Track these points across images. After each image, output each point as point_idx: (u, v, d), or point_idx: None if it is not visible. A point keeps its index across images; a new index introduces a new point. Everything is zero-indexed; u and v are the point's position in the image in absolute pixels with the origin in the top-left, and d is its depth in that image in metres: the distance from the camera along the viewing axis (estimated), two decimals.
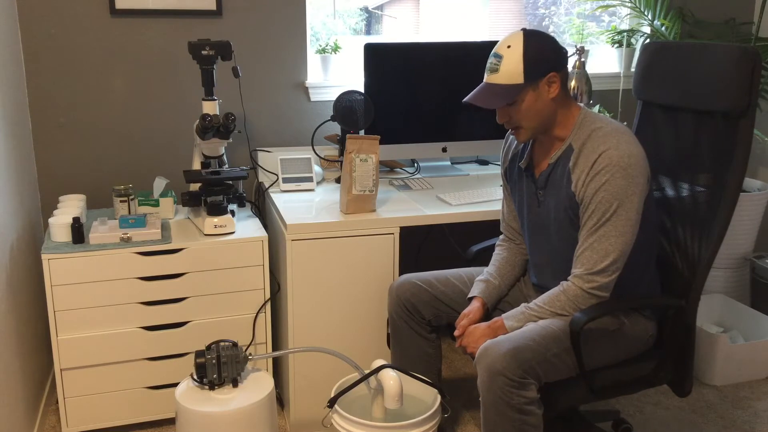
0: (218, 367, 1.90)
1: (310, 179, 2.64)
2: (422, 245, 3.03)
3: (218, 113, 2.39)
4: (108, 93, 2.65)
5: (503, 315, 1.88)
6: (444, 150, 2.82)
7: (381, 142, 2.39)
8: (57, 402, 2.34)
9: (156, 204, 2.48)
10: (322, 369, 2.35)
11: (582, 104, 2.54)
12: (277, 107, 2.85)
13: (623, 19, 3.36)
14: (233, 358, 1.91)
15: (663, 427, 2.45)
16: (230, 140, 2.44)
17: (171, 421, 2.44)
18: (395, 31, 3.31)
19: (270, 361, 2.45)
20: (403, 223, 2.29)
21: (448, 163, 3.00)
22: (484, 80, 1.84)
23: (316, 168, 2.70)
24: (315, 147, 2.79)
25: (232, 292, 2.34)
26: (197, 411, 1.85)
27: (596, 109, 2.95)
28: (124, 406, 2.35)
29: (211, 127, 2.30)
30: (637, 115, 2.19)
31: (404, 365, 2.13)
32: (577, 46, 2.91)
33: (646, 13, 3.15)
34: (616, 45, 3.22)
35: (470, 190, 2.55)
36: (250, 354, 1.96)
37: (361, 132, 2.65)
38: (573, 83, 2.90)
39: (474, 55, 2.70)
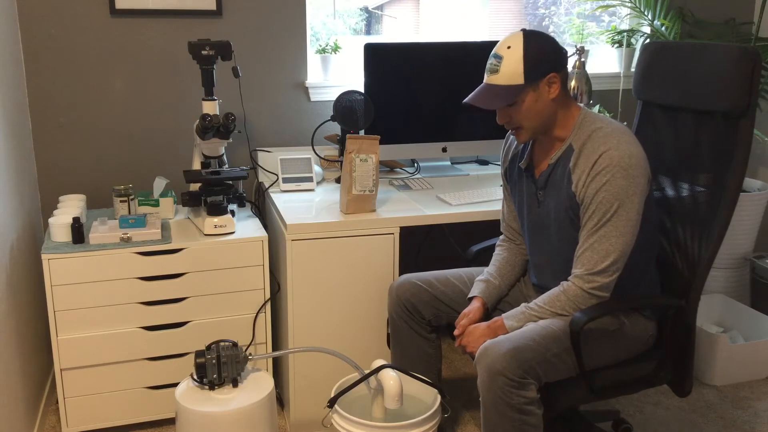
0: (218, 367, 1.90)
1: (310, 179, 2.64)
2: (422, 245, 3.03)
3: (218, 113, 2.39)
4: (108, 93, 2.65)
5: (503, 315, 1.88)
6: (444, 150, 2.82)
7: (381, 142, 2.39)
8: (57, 402, 2.34)
9: (156, 204, 2.48)
10: (322, 369, 2.35)
11: (582, 104, 2.54)
12: (277, 107, 2.85)
13: (623, 19, 3.37)
14: (233, 358, 1.91)
15: (663, 427, 2.45)
16: (230, 140, 2.44)
17: (171, 421, 2.44)
18: (395, 31, 3.31)
19: (270, 361, 2.45)
20: (403, 223, 2.29)
21: (448, 163, 3.00)
22: (484, 81, 1.84)
23: (316, 168, 2.70)
24: (315, 147, 2.79)
25: (232, 292, 2.34)
26: (197, 411, 1.85)
27: (596, 109, 2.95)
28: (124, 406, 2.35)
29: (211, 127, 2.30)
30: (637, 115, 2.19)
31: (404, 365, 2.13)
32: (577, 46, 2.91)
33: (646, 13, 3.15)
34: (616, 45, 3.22)
35: (470, 190, 2.55)
36: (250, 354, 1.96)
37: (361, 132, 2.65)
38: (573, 83, 2.90)
39: (474, 55, 2.70)
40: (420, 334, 2.13)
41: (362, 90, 2.65)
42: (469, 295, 2.05)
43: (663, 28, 3.14)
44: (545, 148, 1.91)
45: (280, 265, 2.35)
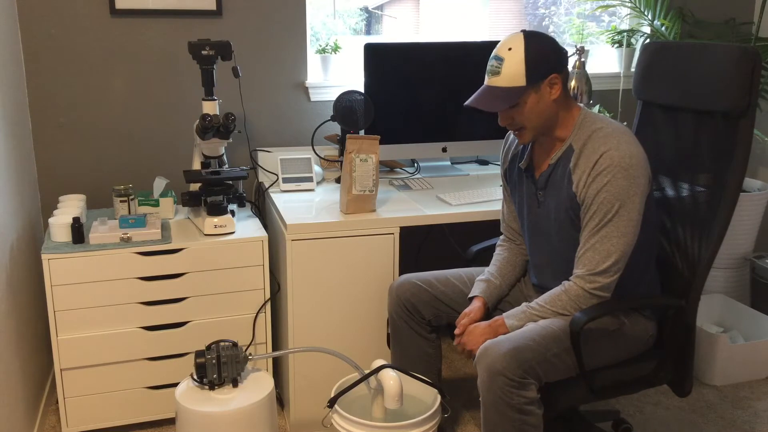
0: (218, 367, 1.90)
1: (310, 179, 2.64)
2: (422, 245, 3.03)
3: (218, 113, 2.39)
4: (108, 93, 2.65)
5: (504, 314, 1.88)
6: (444, 150, 2.82)
7: (381, 142, 2.39)
8: (57, 402, 2.34)
9: (156, 204, 2.48)
10: (322, 369, 2.35)
11: (582, 104, 2.54)
12: (277, 107, 2.85)
13: (623, 19, 3.37)
14: (233, 358, 1.91)
15: (663, 427, 2.45)
16: (230, 140, 2.44)
17: (171, 421, 2.44)
18: (395, 31, 3.31)
19: (270, 361, 2.45)
20: (403, 223, 2.29)
21: (448, 163, 3.00)
22: (485, 83, 1.83)
23: (316, 168, 2.70)
24: (315, 147, 2.79)
25: (232, 292, 2.34)
26: (197, 411, 1.85)
27: (596, 109, 2.95)
28: (124, 406, 2.35)
29: (211, 127, 2.30)
30: (637, 115, 2.19)
31: (404, 365, 2.13)
32: (577, 46, 2.91)
33: (646, 13, 3.15)
34: (616, 45, 3.22)
35: (470, 190, 2.55)
36: (250, 354, 1.96)
37: (361, 132, 2.65)
38: (573, 83, 2.90)
39: (474, 56, 2.70)
40: (420, 334, 2.13)
41: (362, 90, 2.65)
42: (470, 295, 2.05)
43: (663, 28, 3.14)
44: (545, 148, 1.91)
45: (280, 265, 2.35)
